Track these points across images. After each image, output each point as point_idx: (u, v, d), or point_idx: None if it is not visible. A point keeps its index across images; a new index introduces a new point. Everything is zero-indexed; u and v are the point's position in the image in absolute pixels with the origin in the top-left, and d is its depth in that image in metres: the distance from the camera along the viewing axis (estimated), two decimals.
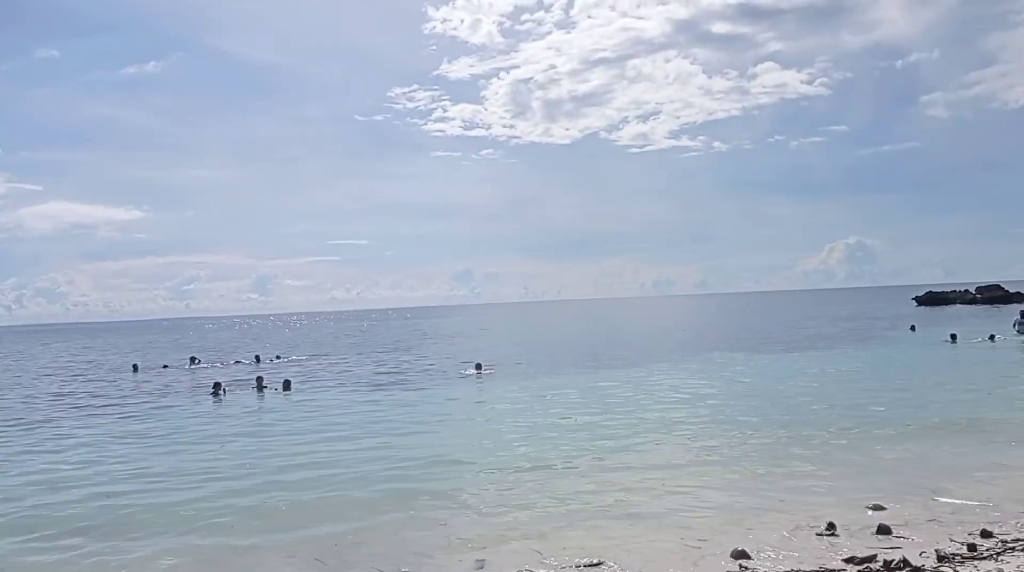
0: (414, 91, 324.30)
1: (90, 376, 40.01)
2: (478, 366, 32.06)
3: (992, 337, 37.01)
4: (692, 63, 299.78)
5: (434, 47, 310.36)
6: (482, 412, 21.49)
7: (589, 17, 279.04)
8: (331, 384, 30.46)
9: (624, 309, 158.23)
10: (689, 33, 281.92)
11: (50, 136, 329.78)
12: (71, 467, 15.82)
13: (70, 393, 31.13)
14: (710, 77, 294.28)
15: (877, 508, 10.10)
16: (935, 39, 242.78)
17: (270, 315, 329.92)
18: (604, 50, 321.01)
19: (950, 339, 37.57)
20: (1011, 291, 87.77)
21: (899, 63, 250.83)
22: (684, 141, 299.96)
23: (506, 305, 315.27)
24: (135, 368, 42.46)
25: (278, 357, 47.42)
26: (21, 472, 15.58)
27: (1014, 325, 38.53)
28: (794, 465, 13.19)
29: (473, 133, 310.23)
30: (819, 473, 12.48)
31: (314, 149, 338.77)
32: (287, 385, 28.82)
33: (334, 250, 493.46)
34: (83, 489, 13.65)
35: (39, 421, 23.15)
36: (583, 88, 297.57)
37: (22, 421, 23.23)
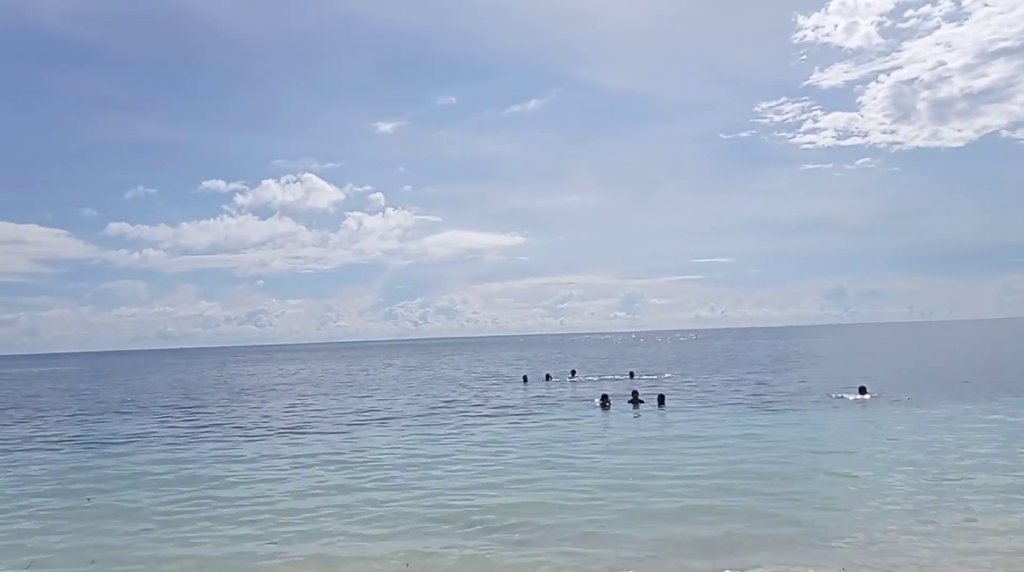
0: (782, 104, 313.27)
1: (490, 382, 45.70)
2: (862, 389, 30.42)
3: None
4: None
5: (804, 56, 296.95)
6: (869, 441, 20.60)
7: (986, 5, 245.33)
8: (705, 402, 31.20)
9: None
10: None
11: (448, 173, 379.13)
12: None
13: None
14: None
15: None
16: None
17: (636, 332, 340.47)
18: (1006, 39, 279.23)
19: None
20: None
21: None
22: None
23: (887, 325, 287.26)
24: (525, 379, 47.47)
25: (645, 376, 49.37)
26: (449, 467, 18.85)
27: None
28: None
29: (848, 142, 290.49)
30: None
31: (678, 170, 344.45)
32: (661, 400, 30.27)
33: (697, 269, 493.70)
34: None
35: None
36: (980, 83, 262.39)
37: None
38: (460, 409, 31.58)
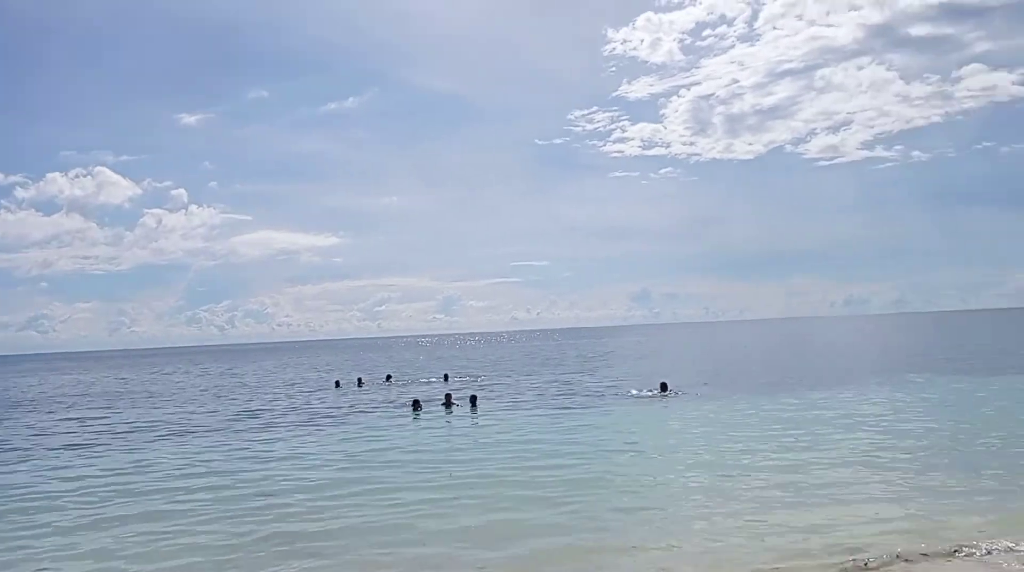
0: (593, 113, 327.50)
1: (302, 389, 43.71)
2: (663, 386, 31.86)
3: None
4: (888, 69, 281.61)
5: (614, 68, 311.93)
6: (671, 434, 21.42)
7: (774, 28, 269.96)
8: (516, 402, 31.39)
9: (814, 329, 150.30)
10: (884, 38, 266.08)
11: (259, 170, 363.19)
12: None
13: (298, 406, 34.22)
14: (908, 83, 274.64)
15: None
16: None
17: (454, 334, 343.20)
18: (790, 61, 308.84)
19: None
20: None
21: None
22: (878, 151, 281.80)
23: (686, 325, 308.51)
24: (337, 384, 45.87)
25: (458, 378, 49.38)
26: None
27: None
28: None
29: (652, 152, 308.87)
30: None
31: (496, 174, 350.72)
32: (473, 401, 30.16)
33: (515, 272, 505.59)
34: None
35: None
36: (768, 101, 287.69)
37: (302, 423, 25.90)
38: (263, 419, 29.76)
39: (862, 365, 45.53)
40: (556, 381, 41.75)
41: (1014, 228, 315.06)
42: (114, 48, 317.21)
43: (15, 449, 24.40)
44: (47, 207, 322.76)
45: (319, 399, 37.21)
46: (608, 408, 27.93)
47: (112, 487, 16.95)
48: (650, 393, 31.21)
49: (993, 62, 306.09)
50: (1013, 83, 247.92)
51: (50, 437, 27.33)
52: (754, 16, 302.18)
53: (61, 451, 23.41)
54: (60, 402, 45.02)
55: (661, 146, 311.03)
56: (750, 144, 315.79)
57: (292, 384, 50.50)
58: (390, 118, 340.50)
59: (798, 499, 12.89)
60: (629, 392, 32.56)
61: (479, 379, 46.23)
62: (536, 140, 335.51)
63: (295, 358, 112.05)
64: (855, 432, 19.72)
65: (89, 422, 31.55)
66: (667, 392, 30.95)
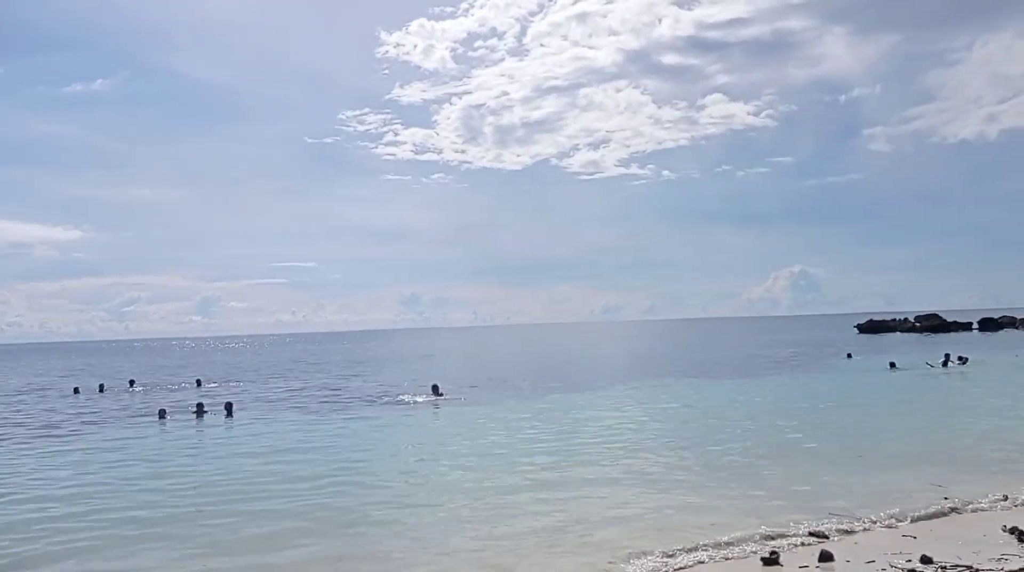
0: (365, 114, 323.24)
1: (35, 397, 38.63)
2: (435, 389, 31.80)
3: (946, 362, 37.95)
4: (642, 93, 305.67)
5: (386, 71, 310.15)
6: (435, 436, 21.33)
7: (541, 46, 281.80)
8: (277, 408, 29.86)
9: (574, 334, 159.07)
10: (639, 63, 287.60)
11: None
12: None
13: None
14: (660, 107, 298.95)
15: (818, 536, 10.25)
16: (877, 75, 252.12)
17: (213, 337, 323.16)
18: (556, 78, 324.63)
19: (889, 367, 38.46)
20: (948, 320, 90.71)
21: (843, 97, 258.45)
22: (633, 169, 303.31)
23: (455, 330, 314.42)
24: (76, 390, 41.34)
25: (214, 383, 46.39)
26: None
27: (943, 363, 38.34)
28: (727, 490, 13.39)
29: (424, 157, 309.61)
30: (756, 496, 12.67)
31: (263, 170, 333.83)
32: (229, 409, 28.21)
33: (281, 273, 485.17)
34: None
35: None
36: (535, 115, 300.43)
37: None
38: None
39: (619, 367, 48.63)
40: (324, 386, 40.38)
41: (747, 245, 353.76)
42: None
43: None
44: None
45: (51, 408, 33.05)
46: (376, 412, 27.34)
47: None
48: (422, 398, 31.00)
49: (731, 93, 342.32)
50: (748, 114, 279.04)
51: None
52: (523, 32, 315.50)
53: None
54: None
55: (433, 151, 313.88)
56: (518, 155, 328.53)
57: (21, 392, 44.60)
58: (144, 104, 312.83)
59: (551, 498, 13.14)
60: (399, 397, 32.15)
61: (241, 384, 43.65)
62: (306, 138, 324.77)
63: (25, 362, 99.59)
64: (611, 431, 20.73)
65: None
66: (440, 395, 30.94)
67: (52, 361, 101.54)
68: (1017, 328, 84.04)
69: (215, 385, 43.71)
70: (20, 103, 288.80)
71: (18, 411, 32.67)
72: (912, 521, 10.91)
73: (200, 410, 28.06)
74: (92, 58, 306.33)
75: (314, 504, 13.45)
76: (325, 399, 33.11)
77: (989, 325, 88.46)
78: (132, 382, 45.36)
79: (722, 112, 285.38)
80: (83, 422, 27.54)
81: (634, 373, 42.47)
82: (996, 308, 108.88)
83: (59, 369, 74.75)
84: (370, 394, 34.49)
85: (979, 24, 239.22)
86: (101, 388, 42.24)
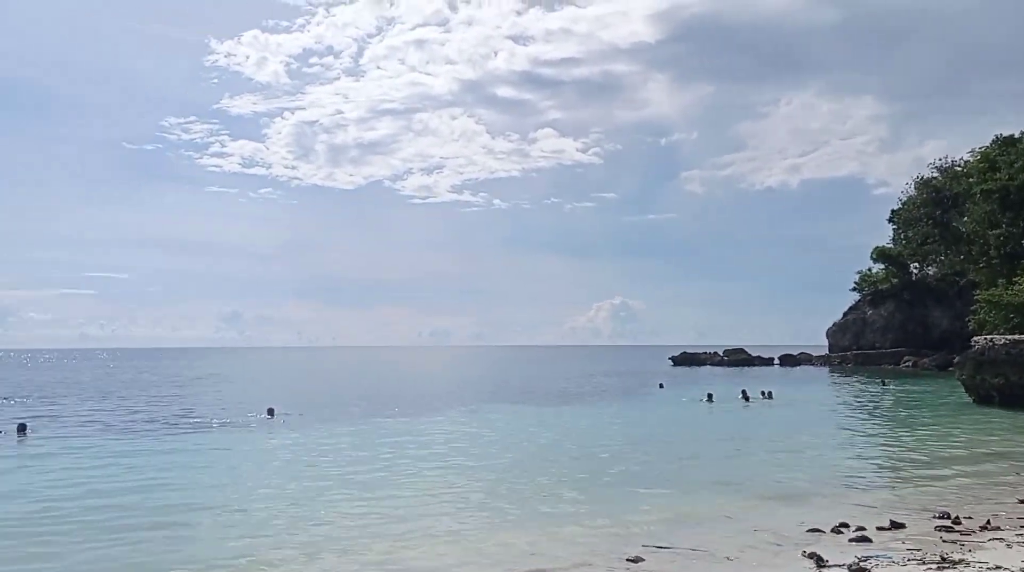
0: (191, 123, 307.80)
1: None
2: (270, 411, 30.87)
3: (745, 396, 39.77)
4: (477, 122, 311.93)
5: (216, 80, 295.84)
6: (259, 462, 20.84)
7: (378, 68, 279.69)
8: (81, 429, 27.87)
9: (401, 357, 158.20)
10: (475, 94, 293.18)
11: None
12: None
13: None
14: (493, 137, 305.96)
15: (634, 561, 10.86)
16: (694, 122, 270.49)
17: (8, 350, 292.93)
18: (392, 101, 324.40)
19: (707, 398, 39.46)
20: (752, 355, 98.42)
21: (663, 140, 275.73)
22: (466, 196, 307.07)
23: (278, 349, 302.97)
24: None
25: (5, 400, 42.54)
26: None
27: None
28: (542, 518, 14.15)
29: (253, 171, 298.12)
30: (568, 521, 13.51)
31: (73, 174, 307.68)
32: (22, 429, 26.09)
33: (90, 283, 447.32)
34: None
35: None
36: (369, 136, 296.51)
37: None
38: None
39: (445, 392, 49.16)
40: (131, 405, 37.99)
41: (572, 275, 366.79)
42: None
43: None
44: None
45: None
46: (198, 436, 26.16)
47: None
48: (254, 419, 30.23)
49: (562, 129, 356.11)
50: (577, 150, 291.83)
51: None
52: (359, 53, 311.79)
53: None
54: None
55: (262, 166, 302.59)
56: (351, 175, 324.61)
57: None
58: None
59: (374, 528, 13.34)
60: (222, 420, 30.90)
61: (41, 402, 40.17)
62: (124, 143, 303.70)
63: None
64: (437, 458, 21.11)
65: None
66: (273, 417, 30.37)
67: None
68: (813, 364, 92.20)
69: (6, 401, 40.04)
70: None
71: None
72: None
73: None
74: None
75: (100, 534, 12.90)
76: (134, 421, 31.22)
77: (788, 360, 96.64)
78: None
79: (553, 147, 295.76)
80: None
81: (461, 398, 43.13)
82: (794, 345, 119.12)
83: None
84: (188, 415, 32.88)
85: (785, 81, 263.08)
86: None
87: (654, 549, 11.37)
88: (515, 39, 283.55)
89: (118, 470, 19.07)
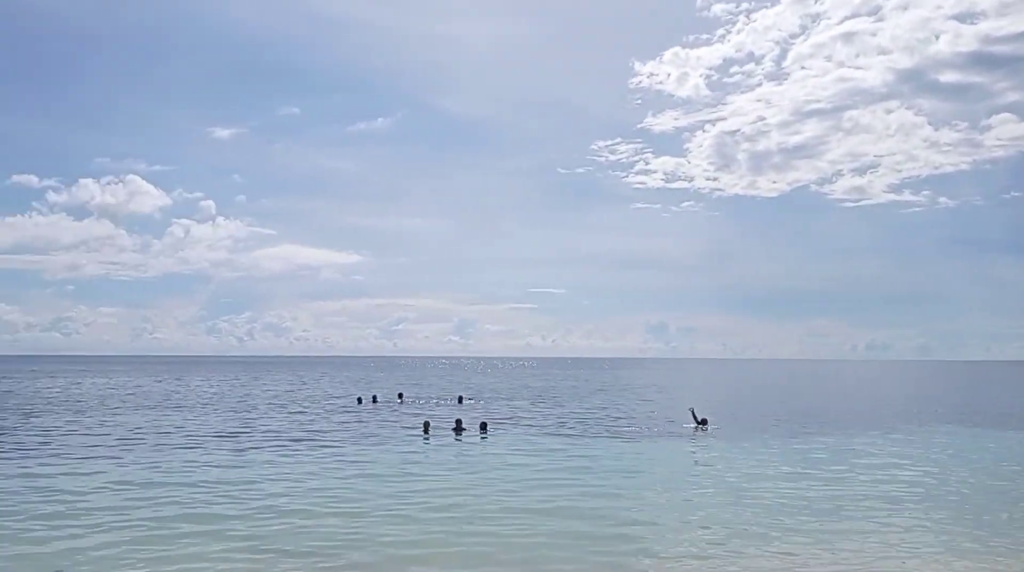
0: (617, 144, 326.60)
1: (318, 406, 43.55)
2: (703, 422, 31.18)
3: None
4: (916, 114, 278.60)
5: (639, 100, 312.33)
6: (699, 471, 20.96)
7: (803, 68, 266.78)
8: (532, 430, 30.89)
9: (833, 371, 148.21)
10: (914, 83, 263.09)
11: (285, 185, 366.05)
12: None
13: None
14: (937, 129, 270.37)
15: None
16: None
17: (469, 357, 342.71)
18: (819, 101, 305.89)
19: None
20: None
21: None
22: (906, 195, 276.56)
23: (703, 361, 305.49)
24: (359, 400, 46.21)
25: (470, 399, 49.02)
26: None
27: None
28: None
29: (675, 185, 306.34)
30: None
31: (518, 200, 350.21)
32: (483, 428, 29.82)
33: (532, 298, 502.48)
34: None
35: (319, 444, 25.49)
36: (794, 140, 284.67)
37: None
38: (283, 433, 29.51)
39: (886, 410, 44.48)
40: (576, 411, 41.14)
41: None
42: (153, 59, 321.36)
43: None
44: (78, 212, 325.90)
45: (349, 416, 37.02)
46: (628, 441, 27.35)
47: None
48: (689, 426, 30.73)
49: (1021, 112, 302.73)
50: None
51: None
52: (782, 55, 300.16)
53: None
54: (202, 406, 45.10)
55: (684, 179, 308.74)
56: (774, 182, 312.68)
57: (317, 400, 50.38)
58: (416, 140, 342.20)
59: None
60: (640, 426, 31.96)
61: (496, 403, 45.79)
62: (559, 169, 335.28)
63: (312, 373, 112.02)
64: (884, 481, 19.08)
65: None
66: (706, 427, 30.47)
67: (340, 373, 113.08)
68: None
69: (472, 401, 46.46)
70: (312, 141, 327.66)
71: (331, 417, 36.85)
72: None
73: (459, 427, 29.80)
74: (373, 98, 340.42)
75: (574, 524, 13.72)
76: (578, 424, 33.70)
77: None
78: (401, 395, 49.96)
79: (1011, 133, 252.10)
80: (362, 434, 30.51)
81: (906, 417, 38.56)
82: None
83: (342, 380, 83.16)
84: (624, 420, 34.62)
85: None
86: (375, 399, 46.69)
87: None
88: (959, 18, 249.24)
89: (571, 470, 20.63)
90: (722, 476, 19.89)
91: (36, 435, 28.32)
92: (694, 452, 24.93)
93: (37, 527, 13.73)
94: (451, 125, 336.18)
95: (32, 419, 34.77)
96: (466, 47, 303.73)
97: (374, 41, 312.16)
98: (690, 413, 31.85)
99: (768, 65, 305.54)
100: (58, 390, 61.00)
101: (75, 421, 33.91)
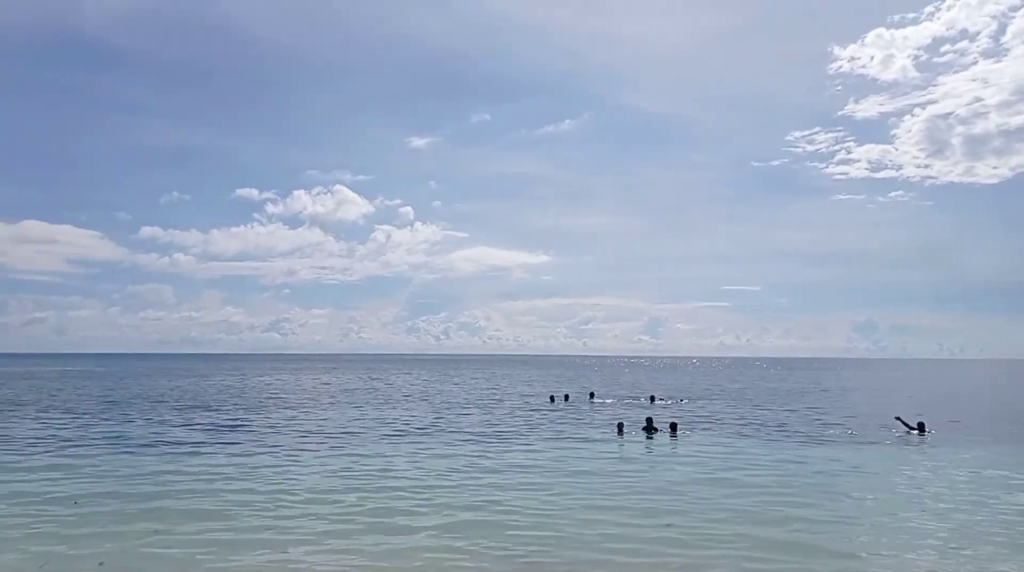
0: (815, 134, 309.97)
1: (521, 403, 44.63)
2: (920, 426, 28.93)
3: None
4: None
5: (839, 87, 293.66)
6: (916, 482, 19.20)
7: None
8: (724, 432, 29.76)
9: None
10: None
11: (478, 189, 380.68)
12: None
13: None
14: None
15: None
16: None
17: (659, 357, 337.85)
18: None
19: None
20: None
21: None
22: None
23: (917, 361, 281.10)
24: (552, 399, 46.87)
25: (661, 399, 47.99)
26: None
27: None
28: None
29: (881, 174, 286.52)
30: None
31: (708, 195, 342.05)
32: (673, 428, 29.12)
33: (725, 296, 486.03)
34: None
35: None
36: (1016, 121, 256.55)
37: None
38: (488, 430, 30.49)
39: None
40: (771, 415, 39.19)
41: None
42: (352, 76, 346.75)
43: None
44: (293, 221, 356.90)
45: (543, 414, 37.69)
46: (832, 447, 25.57)
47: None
48: (904, 432, 28.94)
49: None
50: None
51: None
52: (1000, 30, 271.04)
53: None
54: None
55: (891, 168, 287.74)
56: (995, 167, 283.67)
57: (511, 397, 51.69)
58: (603, 140, 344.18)
59: None
60: (852, 431, 29.76)
61: (688, 403, 44.61)
62: (752, 162, 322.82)
63: (506, 371, 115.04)
64: None
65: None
66: (924, 433, 28.43)
67: (530, 372, 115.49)
68: None
69: (664, 401, 45.50)
70: (504, 145, 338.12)
71: (508, 411, 37.77)
72: None
73: (650, 427, 29.24)
74: (560, 101, 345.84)
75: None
76: (773, 428, 31.98)
77: None
78: (592, 394, 49.97)
79: None
80: (553, 431, 30.81)
81: None
82: None
83: (532, 378, 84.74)
84: (826, 423, 32.50)
85: None
86: (566, 397, 47.05)
87: None
88: None
89: (775, 477, 19.58)
90: (954, 485, 18.02)
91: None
92: (920, 459, 22.76)
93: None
94: (638, 123, 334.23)
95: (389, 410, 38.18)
96: (651, 45, 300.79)
97: (558, 44, 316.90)
98: (899, 422, 29.67)
99: (984, 42, 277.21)
100: (358, 384, 66.58)
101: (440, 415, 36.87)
